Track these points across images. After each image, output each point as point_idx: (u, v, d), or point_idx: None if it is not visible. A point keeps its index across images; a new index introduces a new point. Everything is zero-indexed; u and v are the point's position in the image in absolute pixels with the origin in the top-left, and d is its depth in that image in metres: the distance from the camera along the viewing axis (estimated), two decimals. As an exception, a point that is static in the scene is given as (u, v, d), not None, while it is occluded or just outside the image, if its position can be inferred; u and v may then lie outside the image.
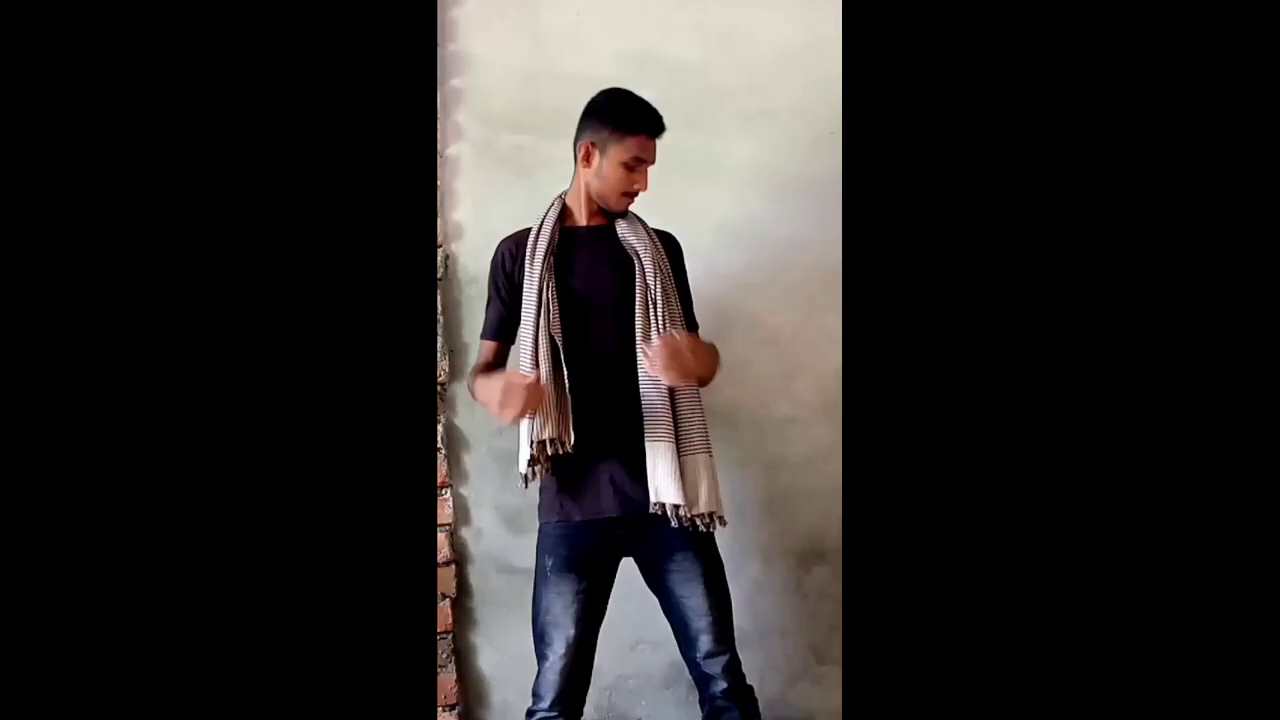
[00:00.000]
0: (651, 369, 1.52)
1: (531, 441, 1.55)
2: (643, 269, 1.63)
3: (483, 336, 1.72)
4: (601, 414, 1.59)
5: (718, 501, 1.59)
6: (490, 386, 1.55)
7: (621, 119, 1.61)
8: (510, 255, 1.68)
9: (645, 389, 1.58)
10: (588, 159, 1.63)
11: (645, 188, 1.64)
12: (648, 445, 1.56)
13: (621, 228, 1.67)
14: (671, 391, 1.57)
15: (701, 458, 1.58)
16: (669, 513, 1.54)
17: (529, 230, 1.68)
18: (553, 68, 2.01)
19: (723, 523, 1.59)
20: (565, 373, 1.56)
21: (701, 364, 1.57)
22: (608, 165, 1.62)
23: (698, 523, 1.55)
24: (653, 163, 1.63)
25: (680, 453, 1.56)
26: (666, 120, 1.91)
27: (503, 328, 1.69)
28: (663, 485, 1.54)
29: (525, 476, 1.59)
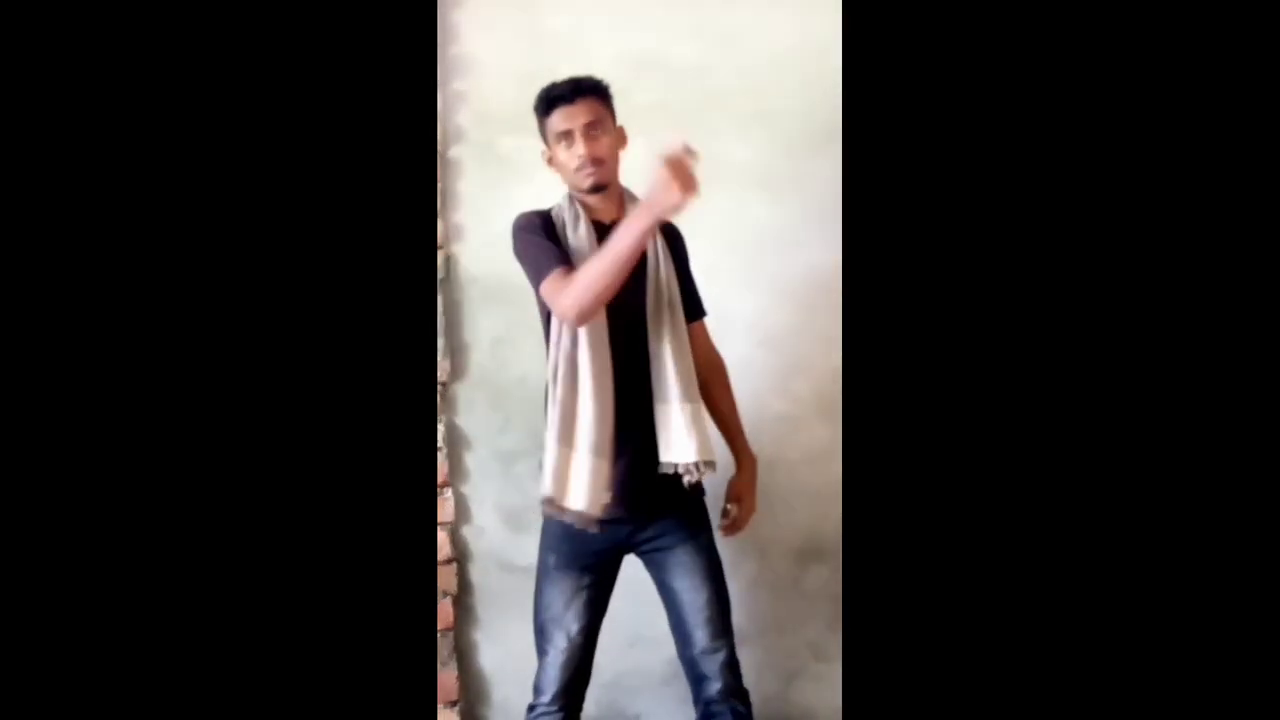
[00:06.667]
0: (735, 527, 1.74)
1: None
2: (655, 263, 1.61)
3: (548, 272, 1.53)
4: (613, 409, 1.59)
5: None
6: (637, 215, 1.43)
7: (539, 105, 1.59)
8: (543, 220, 1.60)
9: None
10: (551, 164, 1.62)
11: (597, 153, 1.55)
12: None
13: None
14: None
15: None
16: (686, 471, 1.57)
17: (540, 211, 1.63)
18: (553, 70, 2.00)
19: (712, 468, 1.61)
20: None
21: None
22: (555, 153, 1.60)
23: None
24: (581, 125, 1.55)
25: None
26: (665, 122, 1.90)
27: (565, 256, 1.55)
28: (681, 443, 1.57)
29: (584, 517, 1.53)
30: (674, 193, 1.35)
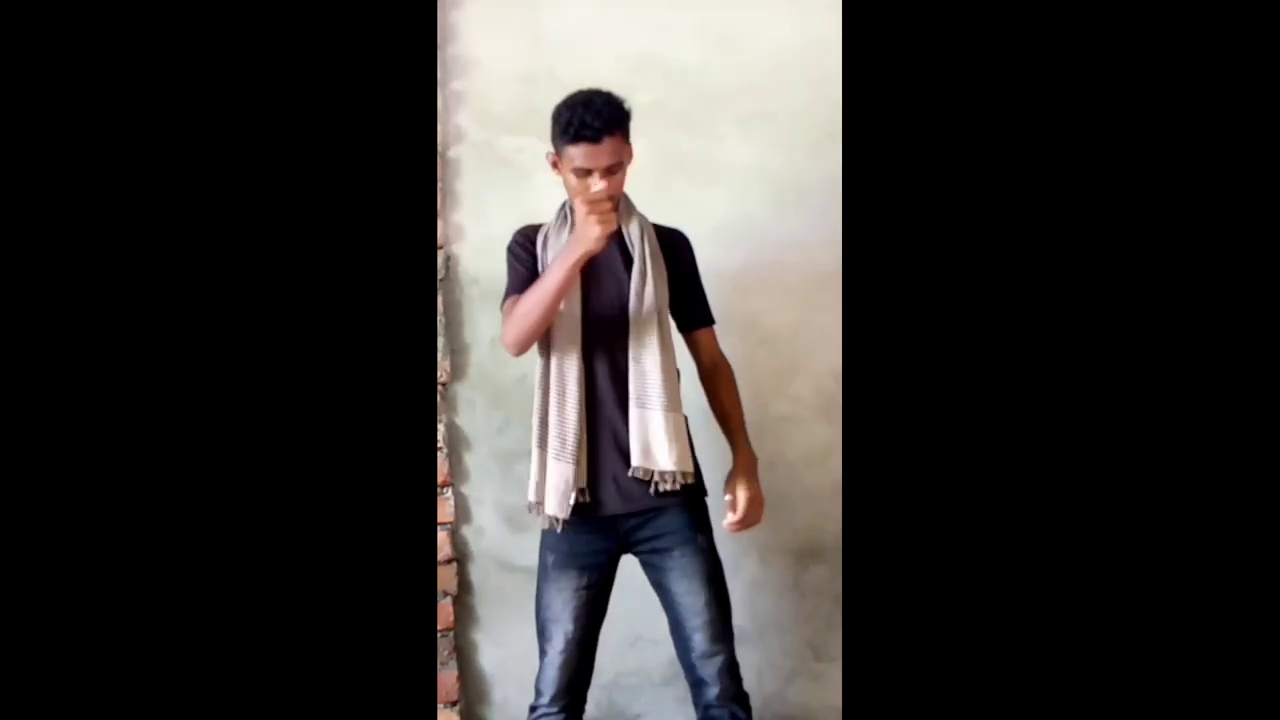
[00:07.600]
0: (738, 525, 1.65)
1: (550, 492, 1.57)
2: (641, 269, 1.61)
3: (508, 296, 1.63)
4: (607, 413, 1.60)
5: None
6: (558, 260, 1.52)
7: (564, 128, 1.54)
8: (528, 239, 1.66)
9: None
10: (555, 168, 1.61)
11: (611, 191, 1.54)
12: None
13: (627, 230, 1.64)
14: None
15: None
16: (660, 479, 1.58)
17: (538, 226, 1.67)
18: (553, 70, 2.02)
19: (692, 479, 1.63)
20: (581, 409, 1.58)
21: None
22: (566, 176, 1.58)
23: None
24: (602, 169, 1.53)
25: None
26: (665, 122, 1.91)
27: (530, 280, 1.60)
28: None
29: (555, 520, 1.59)
30: (593, 228, 1.47)
